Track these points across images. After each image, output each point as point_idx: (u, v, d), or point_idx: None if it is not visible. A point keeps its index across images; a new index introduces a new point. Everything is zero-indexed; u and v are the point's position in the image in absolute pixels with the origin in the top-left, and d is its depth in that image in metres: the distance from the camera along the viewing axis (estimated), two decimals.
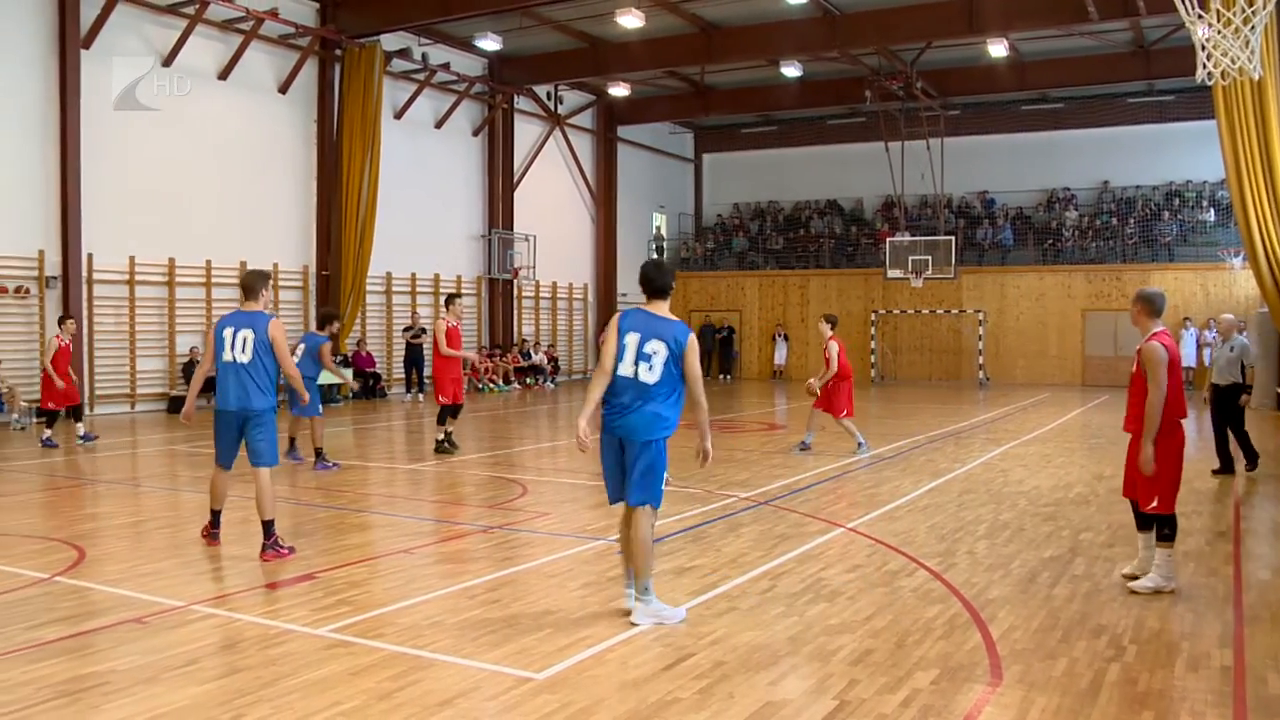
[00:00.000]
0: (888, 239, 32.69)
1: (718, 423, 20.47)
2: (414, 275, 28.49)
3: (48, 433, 16.13)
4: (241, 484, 9.52)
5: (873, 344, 34.76)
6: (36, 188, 20.10)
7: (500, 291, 31.49)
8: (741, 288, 37.46)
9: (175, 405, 22.03)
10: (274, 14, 23.32)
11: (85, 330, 20.84)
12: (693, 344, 6.60)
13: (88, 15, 20.57)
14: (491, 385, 29.05)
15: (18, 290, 19.75)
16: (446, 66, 28.55)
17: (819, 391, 15.30)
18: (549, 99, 33.45)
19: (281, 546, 8.46)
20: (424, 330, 26.38)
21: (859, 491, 11.90)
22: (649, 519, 6.64)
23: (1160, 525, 7.50)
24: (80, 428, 16.72)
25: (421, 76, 28.12)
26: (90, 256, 20.85)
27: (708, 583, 7.68)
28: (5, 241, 19.64)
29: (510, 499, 11.39)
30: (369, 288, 26.44)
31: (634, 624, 6.54)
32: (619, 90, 32.93)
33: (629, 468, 6.62)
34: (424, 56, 27.91)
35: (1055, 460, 14.72)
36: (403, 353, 26.83)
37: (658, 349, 6.53)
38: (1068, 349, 32.48)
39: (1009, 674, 5.72)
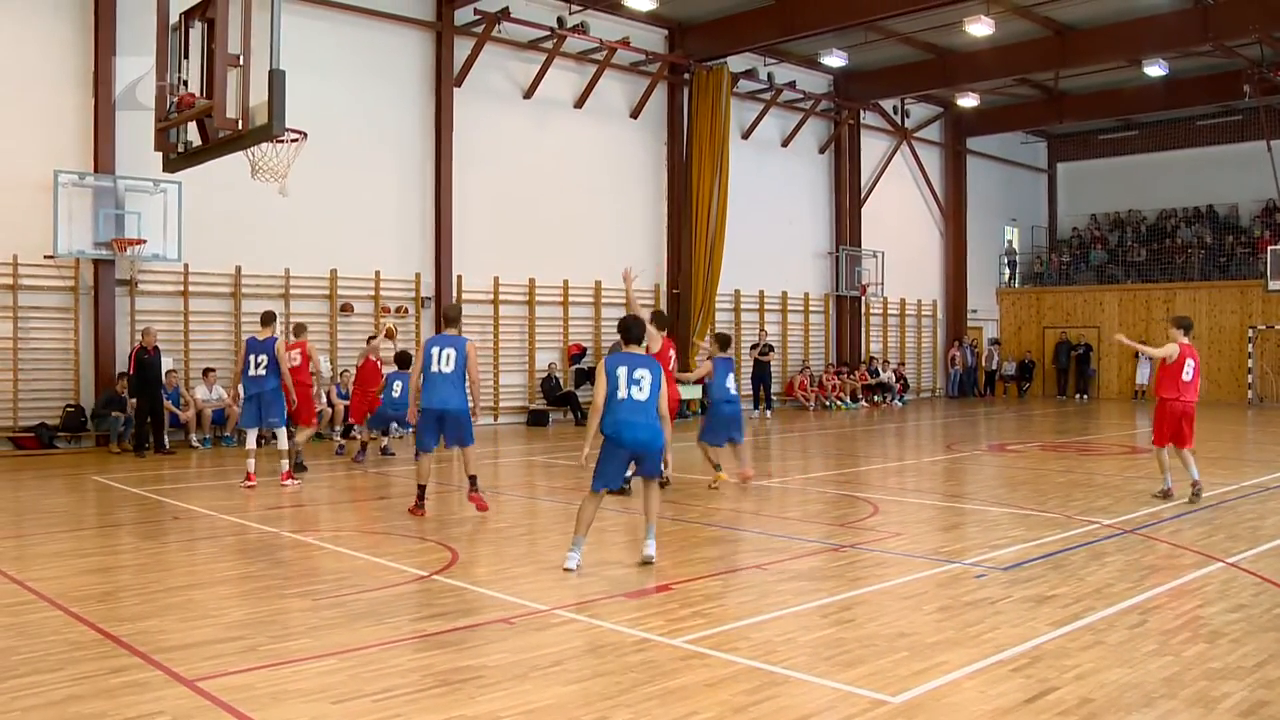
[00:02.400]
0: (1269, 247, 29.98)
1: (1075, 444, 19.49)
2: (762, 293, 28.79)
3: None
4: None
5: (1250, 363, 31.96)
6: (414, 216, 21.89)
7: (848, 309, 31.30)
8: (1100, 302, 35.42)
9: (535, 418, 23.27)
10: (625, 43, 24.28)
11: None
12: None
13: (460, 56, 22.21)
14: (839, 403, 28.92)
15: (399, 310, 21.48)
16: (792, 85, 28.72)
17: (1126, 343, 13.51)
18: (895, 113, 33.01)
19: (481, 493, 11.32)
20: (771, 348, 26.81)
21: (1239, 523, 10.94)
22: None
23: None
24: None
25: (768, 96, 28.41)
26: (460, 278, 22.40)
27: (1070, 613, 7.27)
28: (389, 265, 21.47)
29: (861, 518, 11.26)
30: (718, 305, 26.93)
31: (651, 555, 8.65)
32: (967, 101, 32.05)
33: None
34: (770, 76, 28.19)
35: None
36: (750, 369, 27.17)
37: (644, 375, 8.50)
38: None
39: None
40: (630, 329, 8.87)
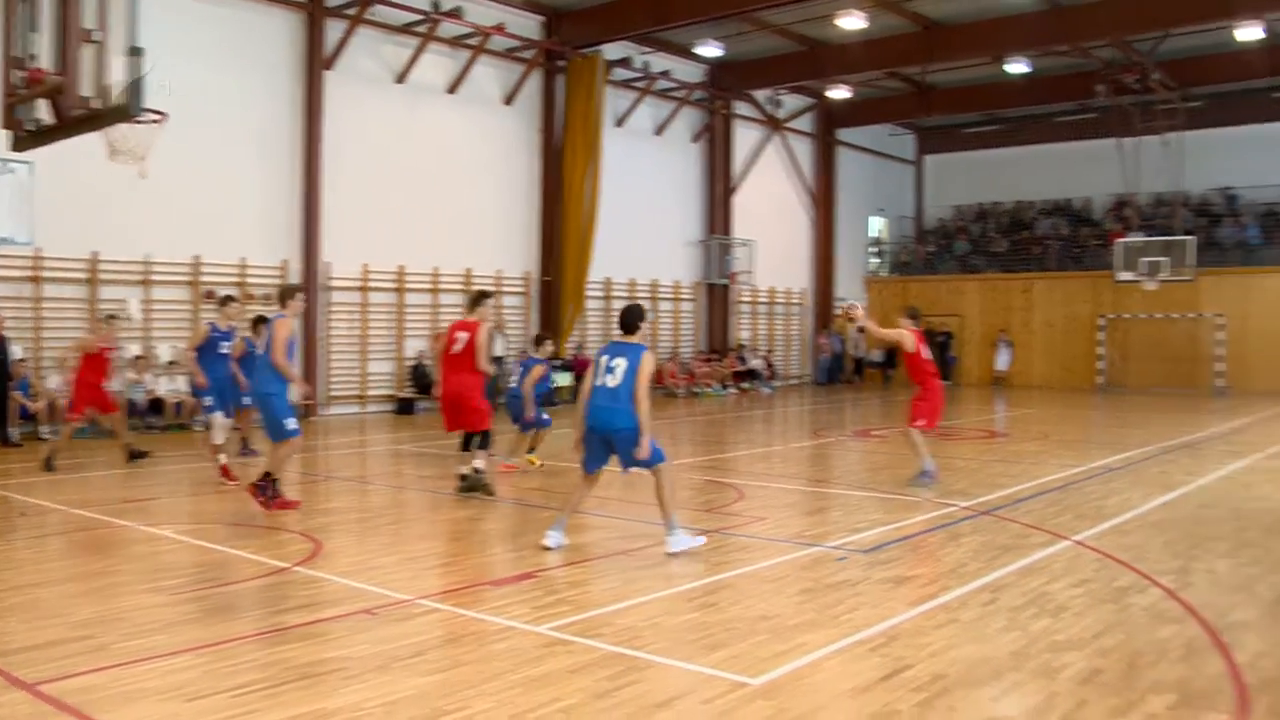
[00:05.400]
0: (1118, 240, 31.18)
1: (937, 430, 19.96)
2: (633, 281, 28.90)
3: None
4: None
5: (1100, 350, 33.25)
6: (283, 201, 21.39)
7: (718, 296, 31.61)
8: (962, 292, 36.41)
9: (403, 407, 23.00)
10: (500, 29, 24.08)
11: (323, 335, 22.01)
12: (647, 359, 8.75)
13: (331, 38, 21.77)
14: (708, 390, 29.20)
15: (264, 298, 20.99)
16: (667, 74, 28.85)
17: (857, 317, 12.56)
18: (768, 104, 33.39)
19: (275, 498, 10.48)
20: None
21: (1085, 503, 11.40)
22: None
23: None
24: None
25: (642, 85, 28.50)
26: (329, 265, 22.00)
27: (927, 593, 7.52)
28: (256, 252, 20.95)
29: (726, 503, 11.42)
30: (589, 293, 26.95)
31: (670, 554, 8.55)
32: (838, 93, 32.57)
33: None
34: (645, 65, 28.28)
35: None
36: None
37: (619, 363, 8.73)
38: None
39: (1258, 706, 5.36)
40: (622, 317, 9.15)
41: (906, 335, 12.63)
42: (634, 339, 8.99)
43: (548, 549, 8.68)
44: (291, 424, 10.55)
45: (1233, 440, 18.21)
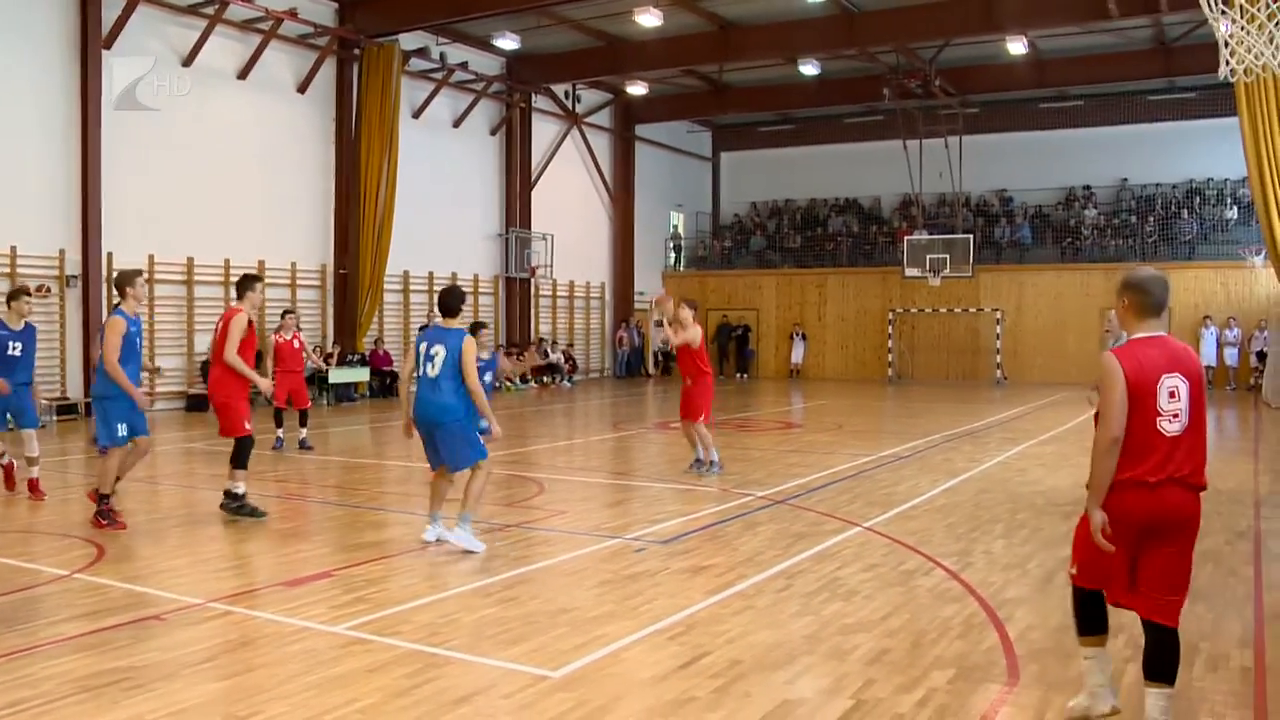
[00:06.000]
0: (905, 237, 32.57)
1: (734, 421, 20.48)
2: (431, 274, 28.55)
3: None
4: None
5: (890, 343, 34.66)
6: (58, 188, 20.22)
7: (518, 291, 31.53)
8: (758, 286, 37.39)
9: (194, 403, 22.15)
10: (293, 14, 23.40)
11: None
12: (468, 346, 8.46)
13: (109, 16, 20.69)
14: (509, 384, 29.11)
15: (39, 289, 19.76)
16: (464, 66, 28.60)
17: (667, 310, 13.33)
18: (567, 98, 33.48)
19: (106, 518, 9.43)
20: None
21: (876, 490, 11.87)
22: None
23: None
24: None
25: (439, 76, 28.17)
26: (110, 255, 20.94)
27: (723, 581, 7.68)
28: (27, 241, 19.74)
29: (527, 497, 11.41)
30: (386, 286, 26.49)
31: (442, 538, 8.56)
32: (636, 89, 32.93)
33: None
34: (442, 56, 27.96)
35: (1073, 459, 14.58)
36: None
37: (438, 351, 8.45)
38: (1086, 348, 32.25)
39: (1026, 674, 5.71)
40: (441, 300, 8.77)
41: (696, 333, 13.01)
42: (454, 323, 8.68)
43: (427, 542, 8.70)
44: (123, 431, 9.47)
45: (1010, 428, 19.26)
